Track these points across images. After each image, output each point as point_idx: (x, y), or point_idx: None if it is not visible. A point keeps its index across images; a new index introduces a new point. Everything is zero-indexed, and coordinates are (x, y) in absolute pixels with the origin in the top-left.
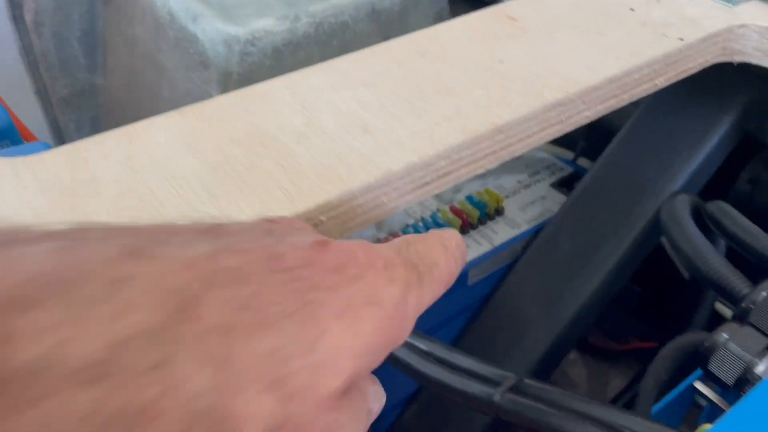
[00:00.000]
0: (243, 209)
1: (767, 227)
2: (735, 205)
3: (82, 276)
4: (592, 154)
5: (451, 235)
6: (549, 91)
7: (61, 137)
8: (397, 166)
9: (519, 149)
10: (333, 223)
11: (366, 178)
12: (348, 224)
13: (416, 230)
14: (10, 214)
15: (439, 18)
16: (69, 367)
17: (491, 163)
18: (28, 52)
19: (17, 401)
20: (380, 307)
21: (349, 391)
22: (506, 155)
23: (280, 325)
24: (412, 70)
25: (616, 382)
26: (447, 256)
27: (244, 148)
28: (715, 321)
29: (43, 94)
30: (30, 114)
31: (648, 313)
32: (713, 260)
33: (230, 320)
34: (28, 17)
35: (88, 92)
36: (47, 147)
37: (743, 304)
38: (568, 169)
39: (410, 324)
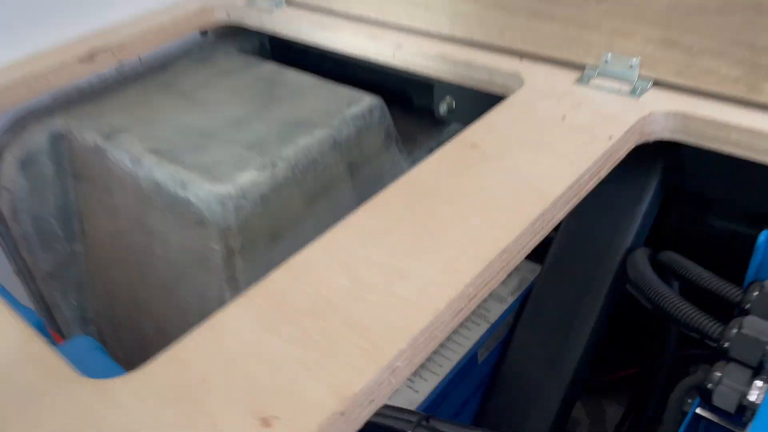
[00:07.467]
0: (337, 375)
1: (704, 249)
2: (673, 238)
3: None
4: None
5: None
6: (530, 207)
7: (48, 309)
8: (442, 304)
9: (518, 260)
10: (406, 368)
11: (421, 322)
12: (414, 361)
13: None
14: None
15: (388, 135)
16: None
17: (502, 278)
18: (5, 237)
19: None
20: None
21: None
22: (511, 267)
23: None
24: (415, 213)
25: (612, 409)
26: None
27: (312, 317)
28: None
29: (24, 273)
30: (13, 293)
31: (625, 344)
32: (684, 308)
33: None
34: (5, 207)
35: (70, 261)
36: (91, 341)
37: (721, 343)
38: None
39: None
